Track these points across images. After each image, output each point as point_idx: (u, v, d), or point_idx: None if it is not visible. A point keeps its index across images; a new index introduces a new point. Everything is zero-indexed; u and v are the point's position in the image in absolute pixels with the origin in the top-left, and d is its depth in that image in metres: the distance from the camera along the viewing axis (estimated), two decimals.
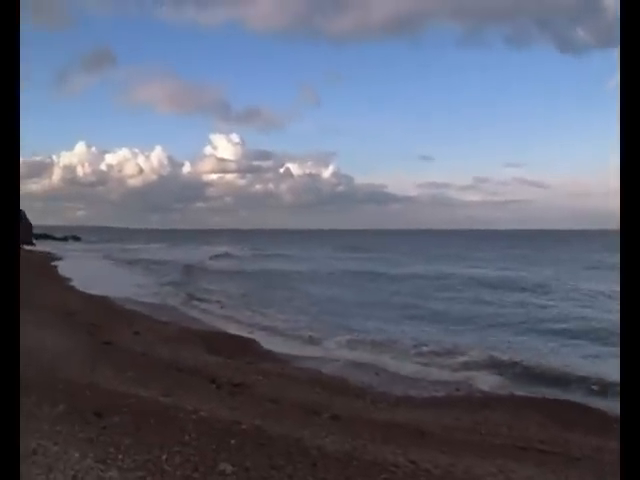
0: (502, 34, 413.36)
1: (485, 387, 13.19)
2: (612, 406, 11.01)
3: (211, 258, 65.05)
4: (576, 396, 12.50)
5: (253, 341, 17.70)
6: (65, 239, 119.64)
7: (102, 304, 23.98)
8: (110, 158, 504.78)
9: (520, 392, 12.75)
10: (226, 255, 73.77)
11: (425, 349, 16.70)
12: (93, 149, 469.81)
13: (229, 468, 5.45)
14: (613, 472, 6.66)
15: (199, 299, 27.83)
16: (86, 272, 40.45)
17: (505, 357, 15.67)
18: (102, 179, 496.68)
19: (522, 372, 14.37)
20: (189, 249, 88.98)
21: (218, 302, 26.94)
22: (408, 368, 14.79)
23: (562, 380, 13.58)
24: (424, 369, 14.74)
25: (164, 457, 5.57)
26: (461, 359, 15.59)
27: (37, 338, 12.88)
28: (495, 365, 14.92)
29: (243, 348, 16.41)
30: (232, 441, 6.42)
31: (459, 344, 17.56)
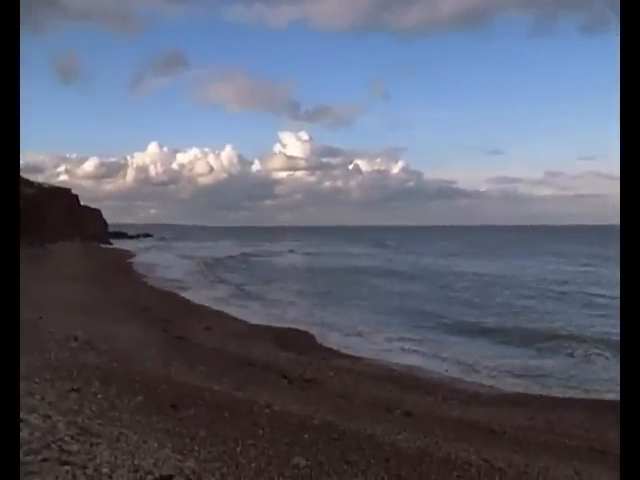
0: (577, 22, 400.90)
1: (557, 389, 12.86)
2: None
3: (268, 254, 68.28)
4: None
5: (315, 337, 17.85)
6: (137, 237, 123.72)
7: (173, 300, 24.74)
8: (181, 157, 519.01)
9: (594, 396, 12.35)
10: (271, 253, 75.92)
11: (493, 354, 16.39)
12: (165, 149, 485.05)
13: (303, 462, 5.50)
14: None
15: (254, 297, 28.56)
16: (156, 268, 42.20)
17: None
18: (173, 178, 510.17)
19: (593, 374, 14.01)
20: (252, 246, 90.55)
21: (272, 299, 27.59)
22: (476, 366, 14.63)
23: None
24: (494, 370, 14.48)
25: (239, 450, 5.66)
26: (526, 361, 15.39)
27: (116, 332, 13.38)
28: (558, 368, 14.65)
29: (312, 344, 16.55)
30: (305, 435, 6.50)
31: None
